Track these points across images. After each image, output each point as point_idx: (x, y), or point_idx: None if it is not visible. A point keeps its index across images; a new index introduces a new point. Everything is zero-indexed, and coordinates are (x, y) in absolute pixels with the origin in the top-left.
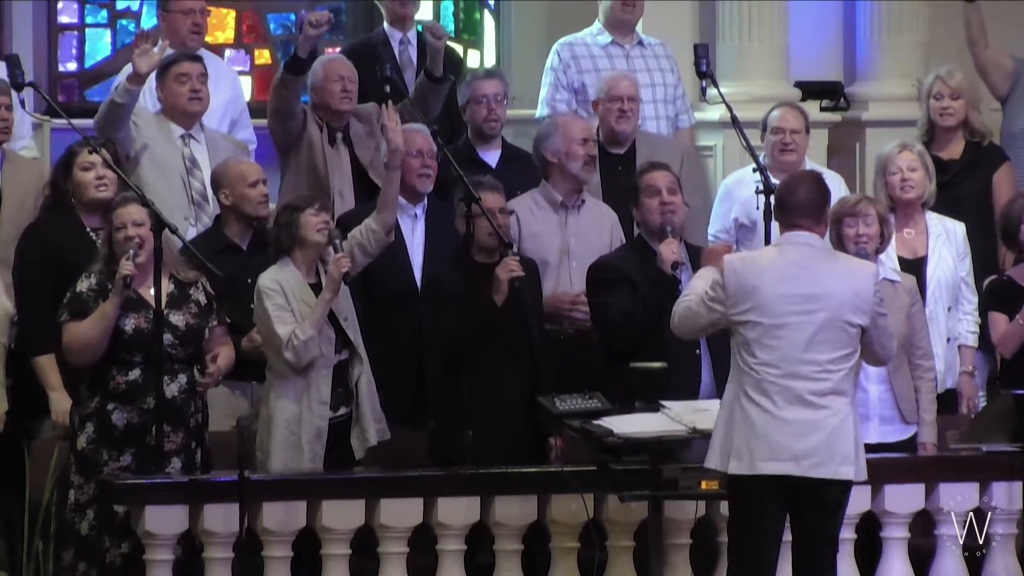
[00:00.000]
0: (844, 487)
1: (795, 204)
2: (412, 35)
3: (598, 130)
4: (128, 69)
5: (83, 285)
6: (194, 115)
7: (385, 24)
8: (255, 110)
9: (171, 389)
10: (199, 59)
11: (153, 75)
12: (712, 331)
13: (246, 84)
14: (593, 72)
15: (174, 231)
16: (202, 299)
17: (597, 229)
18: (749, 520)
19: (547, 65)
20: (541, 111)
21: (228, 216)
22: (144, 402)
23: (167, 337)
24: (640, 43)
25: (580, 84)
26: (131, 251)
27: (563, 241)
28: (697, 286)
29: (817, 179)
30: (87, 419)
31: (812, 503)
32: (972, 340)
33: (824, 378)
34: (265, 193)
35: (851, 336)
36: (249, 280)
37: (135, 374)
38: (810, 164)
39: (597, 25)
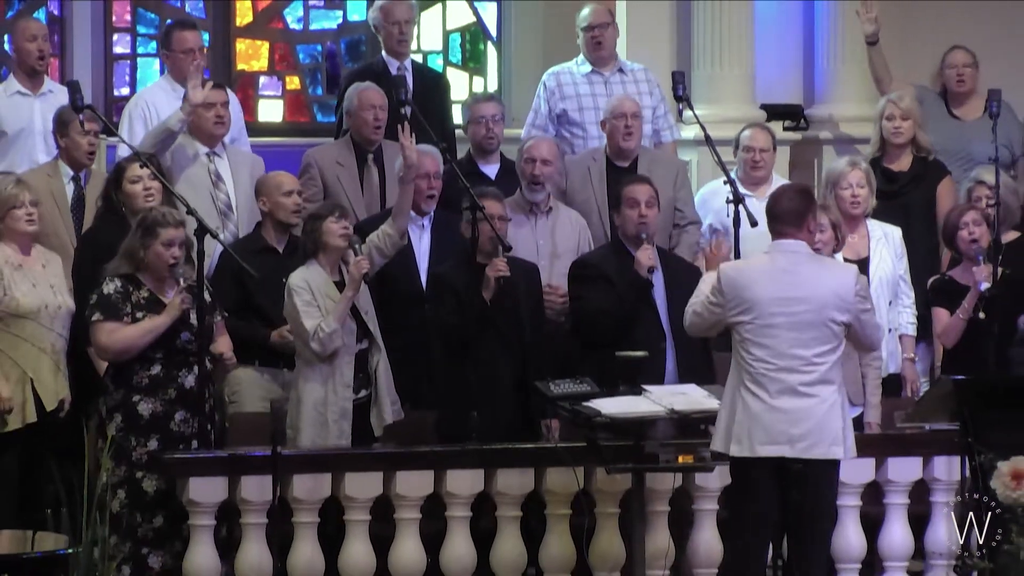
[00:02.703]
0: (833, 465)
1: (778, 214)
2: (408, 63)
3: (606, 146)
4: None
5: (109, 288)
6: (218, 137)
7: (383, 53)
8: (283, 130)
9: (188, 380)
10: (223, 87)
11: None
12: (718, 330)
13: (278, 107)
14: (575, 98)
15: (216, 237)
16: (207, 297)
17: (564, 232)
18: (748, 496)
19: (536, 92)
20: (526, 132)
21: (266, 221)
22: (166, 393)
23: (184, 334)
24: (620, 70)
25: (562, 110)
26: (182, 279)
27: (532, 242)
28: (703, 289)
29: (800, 190)
30: (115, 410)
31: (804, 482)
32: (912, 331)
33: (811, 370)
34: (298, 203)
35: (835, 332)
36: (284, 279)
37: (156, 369)
38: (775, 178)
39: (579, 57)
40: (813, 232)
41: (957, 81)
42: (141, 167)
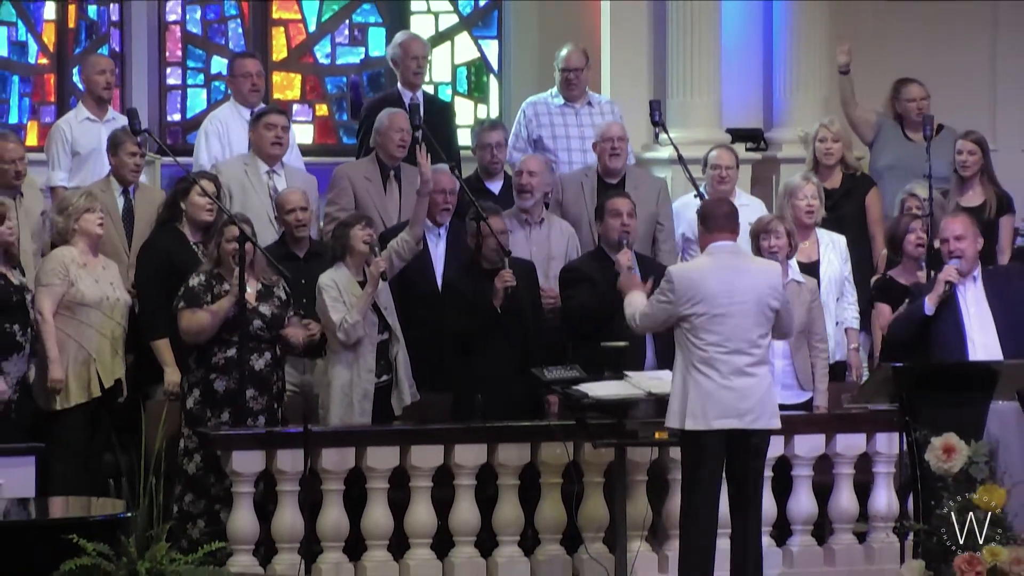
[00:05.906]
0: (769, 435)
1: (717, 218)
2: (419, 94)
3: (598, 165)
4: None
5: (194, 281)
6: (276, 156)
7: (399, 84)
8: (314, 151)
9: (259, 363)
10: (284, 113)
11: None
12: (668, 324)
13: (308, 131)
14: (548, 127)
15: (255, 243)
16: (283, 295)
17: (556, 240)
18: (702, 465)
19: (516, 118)
20: (508, 154)
21: (286, 232)
22: (239, 373)
23: (257, 322)
24: (589, 103)
25: (538, 136)
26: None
27: (527, 249)
28: (635, 300)
29: (728, 199)
30: (194, 385)
31: (747, 449)
32: (856, 324)
33: (755, 351)
34: (300, 218)
35: (769, 318)
36: (303, 281)
37: (232, 351)
38: (739, 192)
39: (554, 89)
40: (738, 235)
41: (916, 112)
42: (193, 182)
